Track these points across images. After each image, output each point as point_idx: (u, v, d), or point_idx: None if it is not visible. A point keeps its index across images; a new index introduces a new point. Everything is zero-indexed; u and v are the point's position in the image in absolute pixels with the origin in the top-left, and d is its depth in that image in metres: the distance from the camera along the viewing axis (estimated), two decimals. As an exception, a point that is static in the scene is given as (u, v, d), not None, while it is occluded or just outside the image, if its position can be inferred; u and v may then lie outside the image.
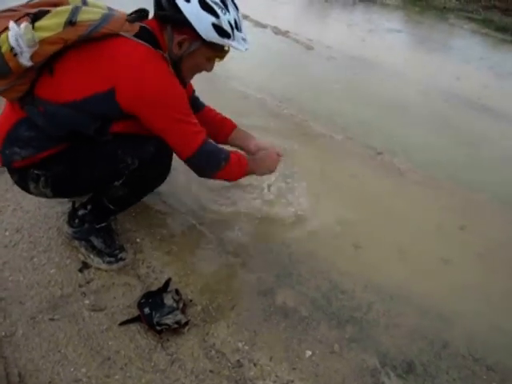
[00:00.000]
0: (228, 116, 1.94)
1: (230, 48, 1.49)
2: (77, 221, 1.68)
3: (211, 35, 1.37)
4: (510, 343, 1.67)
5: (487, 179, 2.66)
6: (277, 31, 4.91)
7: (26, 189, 1.56)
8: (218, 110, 1.95)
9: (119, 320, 1.51)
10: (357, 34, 5.40)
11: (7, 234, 1.79)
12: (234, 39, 1.41)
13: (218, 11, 1.35)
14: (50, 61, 1.30)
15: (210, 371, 1.41)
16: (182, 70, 1.50)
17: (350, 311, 1.69)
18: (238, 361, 1.45)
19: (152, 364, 1.41)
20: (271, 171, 1.85)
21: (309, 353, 1.52)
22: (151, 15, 1.46)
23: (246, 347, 1.50)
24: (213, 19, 1.34)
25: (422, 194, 2.45)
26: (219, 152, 1.57)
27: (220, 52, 1.49)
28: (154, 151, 1.50)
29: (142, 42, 1.34)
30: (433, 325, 1.69)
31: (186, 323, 1.51)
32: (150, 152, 1.49)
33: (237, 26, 1.42)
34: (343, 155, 2.70)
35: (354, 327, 1.63)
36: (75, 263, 1.70)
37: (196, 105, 1.88)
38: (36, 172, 1.47)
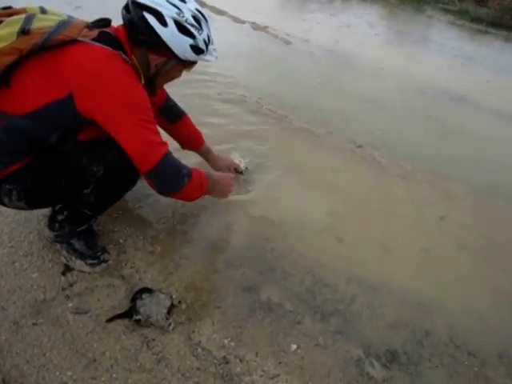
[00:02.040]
0: (207, 113, 1.94)
1: None
2: (57, 225, 1.66)
3: (188, 55, 1.41)
4: (488, 329, 1.72)
5: (465, 170, 2.72)
6: (255, 27, 4.91)
7: (1, 203, 1.53)
8: (198, 108, 1.96)
9: (104, 322, 1.51)
10: (335, 28, 5.44)
11: (-13, 239, 1.77)
12: (206, 54, 1.46)
13: (195, 32, 1.37)
14: (7, 72, 1.27)
15: (197, 368, 1.42)
16: (155, 84, 1.53)
17: (333, 304, 1.72)
18: (224, 357, 1.46)
19: (138, 364, 1.41)
20: (224, 196, 1.87)
21: (294, 346, 1.53)
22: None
23: (232, 343, 1.51)
24: (190, 41, 1.37)
25: (402, 186, 2.49)
26: (181, 167, 1.51)
27: (192, 64, 1.52)
28: (118, 155, 1.43)
29: (100, 45, 1.31)
30: (415, 314, 1.72)
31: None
32: (115, 156, 1.44)
33: (210, 40, 1.46)
34: (324, 150, 2.72)
35: (337, 320, 1.66)
36: (58, 266, 1.68)
37: (173, 113, 1.94)
38: (7, 187, 1.44)
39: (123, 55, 1.35)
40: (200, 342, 1.50)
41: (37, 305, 1.55)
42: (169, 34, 1.34)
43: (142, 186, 1.95)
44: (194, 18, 1.38)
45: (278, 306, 1.66)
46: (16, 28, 1.22)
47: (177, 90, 1.51)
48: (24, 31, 1.21)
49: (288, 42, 4.57)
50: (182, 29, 1.35)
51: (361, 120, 3.17)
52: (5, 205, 1.53)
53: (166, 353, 1.45)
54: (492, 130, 3.37)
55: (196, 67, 1.58)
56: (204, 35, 1.41)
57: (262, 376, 1.42)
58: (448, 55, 5.00)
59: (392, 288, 1.82)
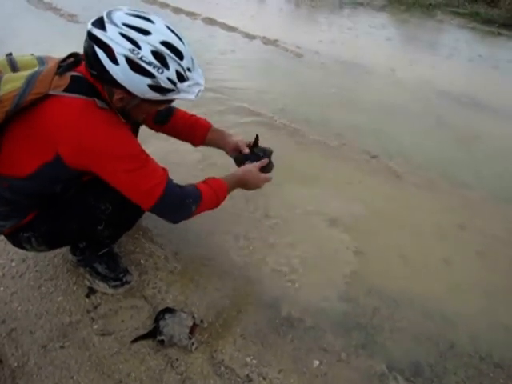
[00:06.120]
0: (217, 126, 1.87)
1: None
2: (79, 251, 1.71)
3: (150, 95, 1.22)
4: (514, 339, 1.69)
5: (483, 176, 2.69)
6: (266, 41, 4.96)
7: (24, 249, 1.57)
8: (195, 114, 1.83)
9: (128, 343, 1.54)
10: (345, 37, 5.45)
11: (13, 264, 1.82)
12: (178, 92, 1.25)
13: (153, 71, 1.16)
14: None
15: (221, 387, 1.44)
16: (131, 117, 1.38)
17: (355, 318, 1.71)
18: (248, 375, 1.47)
19: (163, 384, 1.43)
20: (257, 187, 1.70)
21: (316, 362, 1.54)
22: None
23: (255, 361, 1.52)
24: (148, 81, 1.17)
25: (419, 195, 2.48)
26: (185, 196, 1.43)
27: (168, 101, 1.34)
28: None
29: (73, 96, 1.23)
30: (437, 326, 1.71)
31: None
32: (119, 192, 1.36)
33: (181, 78, 1.23)
34: (338, 161, 2.73)
35: (359, 334, 1.65)
36: (82, 289, 1.73)
37: (164, 114, 1.75)
38: (25, 235, 1.48)
39: (97, 102, 1.25)
40: (223, 360, 1.51)
41: (63, 328, 1.59)
42: (120, 73, 1.16)
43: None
44: (155, 53, 1.16)
45: (299, 322, 1.67)
46: None
47: (188, 107, 1.50)
48: None
49: (299, 55, 4.60)
50: (135, 67, 1.15)
51: (375, 129, 3.16)
52: (27, 250, 1.58)
53: (189, 372, 1.47)
54: (509, 135, 3.32)
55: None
56: (169, 73, 1.19)
57: (285, 393, 1.43)
58: (461, 59, 4.96)
59: (413, 300, 1.81)
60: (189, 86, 1.26)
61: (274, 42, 4.94)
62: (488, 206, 2.42)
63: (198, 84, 1.28)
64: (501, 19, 6.73)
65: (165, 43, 1.18)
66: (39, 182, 1.34)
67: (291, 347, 1.58)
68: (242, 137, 1.81)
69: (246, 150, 1.74)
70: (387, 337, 1.65)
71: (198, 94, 1.28)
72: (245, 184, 1.66)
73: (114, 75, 1.17)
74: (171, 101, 1.35)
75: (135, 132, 1.61)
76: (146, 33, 1.16)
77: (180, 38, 1.23)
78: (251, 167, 1.66)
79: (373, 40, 5.45)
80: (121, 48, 1.13)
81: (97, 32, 1.15)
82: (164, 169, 1.40)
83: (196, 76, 1.28)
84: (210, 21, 5.60)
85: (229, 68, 4.09)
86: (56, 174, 1.32)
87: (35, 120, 1.24)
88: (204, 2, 6.63)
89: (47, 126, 1.23)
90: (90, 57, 1.19)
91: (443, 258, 2.04)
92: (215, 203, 1.56)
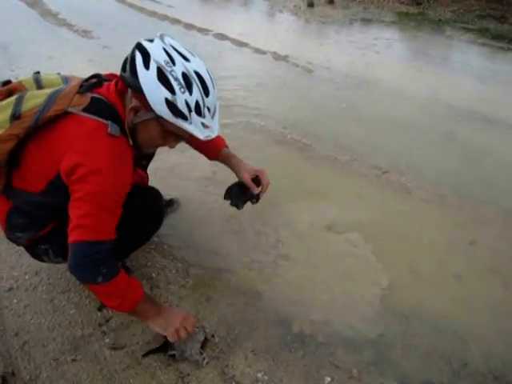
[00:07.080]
0: (232, 144, 1.87)
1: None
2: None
3: (163, 110, 1.23)
4: (528, 358, 1.66)
5: (494, 191, 2.68)
6: (276, 57, 5.01)
7: (42, 261, 1.61)
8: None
9: (140, 357, 1.54)
10: (355, 53, 5.49)
11: (27, 277, 1.84)
12: (190, 122, 1.26)
13: (176, 88, 1.21)
14: (13, 155, 1.30)
15: (232, 403, 1.43)
16: (137, 139, 1.37)
17: (366, 334, 1.70)
18: (259, 391, 1.47)
19: (174, 400, 1.43)
20: (165, 333, 1.43)
21: (328, 379, 1.53)
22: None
23: (266, 377, 1.52)
24: (167, 94, 1.21)
25: (430, 211, 2.47)
26: (106, 264, 1.27)
27: (178, 134, 1.35)
28: (138, 203, 1.46)
29: (89, 117, 1.27)
30: (450, 343, 1.69)
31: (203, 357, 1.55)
32: (135, 206, 1.40)
33: (198, 110, 1.25)
34: (349, 176, 2.73)
35: (371, 350, 1.64)
36: (94, 302, 1.74)
37: None
38: (43, 247, 1.52)
39: (109, 127, 1.27)
40: (234, 376, 1.51)
41: (75, 341, 1.60)
42: (146, 78, 1.20)
43: (171, 220, 2.01)
44: (185, 76, 1.22)
45: (311, 338, 1.66)
46: (8, 113, 1.24)
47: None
48: (15, 116, 1.23)
49: (309, 70, 4.64)
50: (162, 77, 1.20)
51: (385, 145, 3.17)
52: (44, 261, 1.62)
53: (201, 388, 1.47)
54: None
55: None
56: (189, 98, 1.23)
57: (296, 410, 1.42)
58: (470, 74, 4.97)
59: (425, 316, 1.79)
60: (202, 123, 1.28)
61: (285, 58, 4.99)
62: (499, 222, 2.41)
63: (211, 129, 1.31)
64: (510, 35, 6.75)
65: (198, 74, 1.25)
66: (53, 197, 1.37)
67: (302, 363, 1.57)
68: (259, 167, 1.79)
69: (256, 190, 1.74)
70: (399, 354, 1.64)
71: (205, 137, 1.30)
72: (160, 316, 1.42)
73: (140, 77, 1.21)
74: (181, 138, 1.39)
75: (147, 159, 1.64)
76: (185, 59, 1.25)
77: (213, 83, 1.30)
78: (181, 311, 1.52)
79: (383, 55, 5.49)
80: (158, 57, 1.21)
81: (144, 42, 1.25)
82: (112, 237, 1.31)
83: (213, 123, 1.32)
84: (221, 36, 5.68)
85: (239, 83, 4.14)
86: (60, 192, 1.31)
87: (50, 136, 1.28)
88: (215, 18, 6.75)
89: (58, 144, 1.27)
90: (127, 59, 1.26)
91: (454, 273, 2.03)
92: (120, 298, 1.32)
